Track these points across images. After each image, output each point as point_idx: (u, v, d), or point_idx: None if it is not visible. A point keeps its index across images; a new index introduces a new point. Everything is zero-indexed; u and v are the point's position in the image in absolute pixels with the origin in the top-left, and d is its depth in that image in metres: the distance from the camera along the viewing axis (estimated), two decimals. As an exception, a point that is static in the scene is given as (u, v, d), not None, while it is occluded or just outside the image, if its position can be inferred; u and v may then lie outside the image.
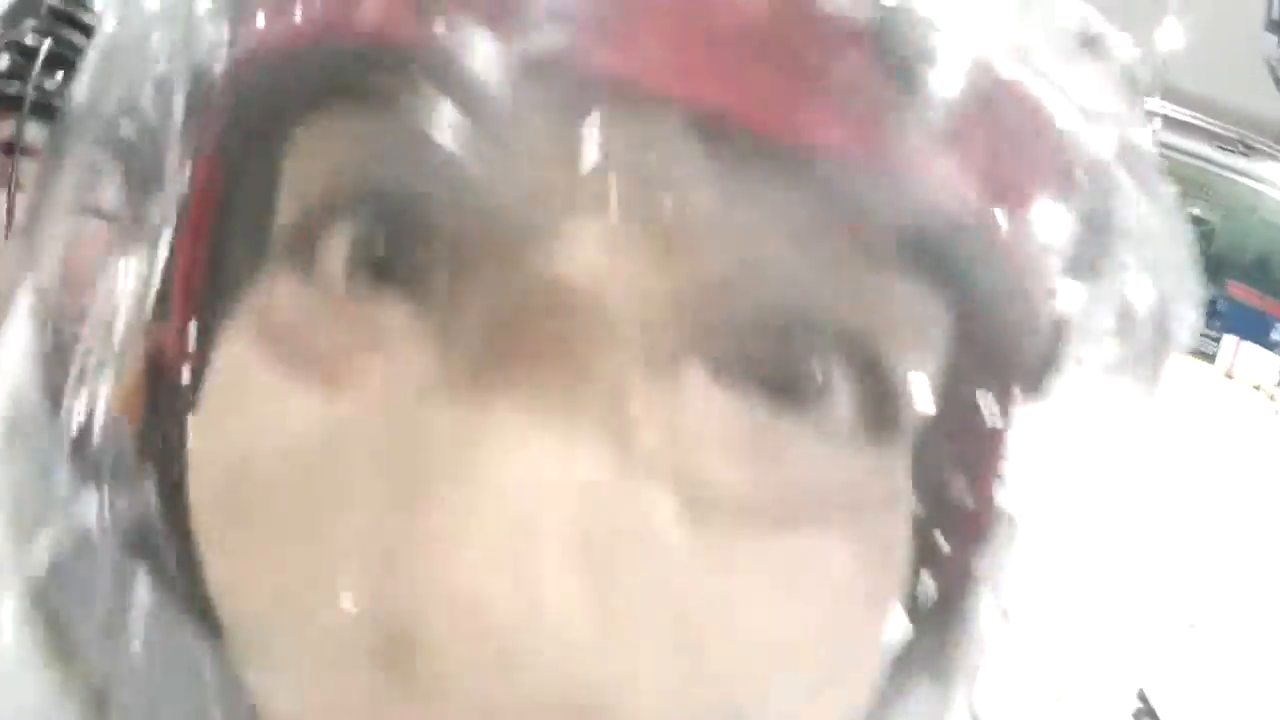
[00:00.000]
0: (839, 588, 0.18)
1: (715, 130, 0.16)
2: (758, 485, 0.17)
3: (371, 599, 0.16)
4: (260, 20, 0.18)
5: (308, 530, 0.17)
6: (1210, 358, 17.06)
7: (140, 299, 0.20)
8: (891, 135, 0.16)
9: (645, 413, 0.16)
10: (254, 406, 0.18)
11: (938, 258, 0.17)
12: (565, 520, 0.15)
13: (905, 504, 0.19)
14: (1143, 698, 3.48)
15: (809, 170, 0.16)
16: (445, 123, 0.15)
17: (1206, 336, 16.39)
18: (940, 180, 0.17)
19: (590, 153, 0.15)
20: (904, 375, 0.18)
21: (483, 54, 0.15)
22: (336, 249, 0.17)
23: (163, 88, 0.19)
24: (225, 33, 0.18)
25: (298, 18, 0.17)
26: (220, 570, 0.18)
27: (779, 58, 0.15)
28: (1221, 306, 17.39)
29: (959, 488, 0.20)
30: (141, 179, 0.20)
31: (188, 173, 0.19)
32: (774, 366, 0.17)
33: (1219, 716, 4.28)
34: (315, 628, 0.16)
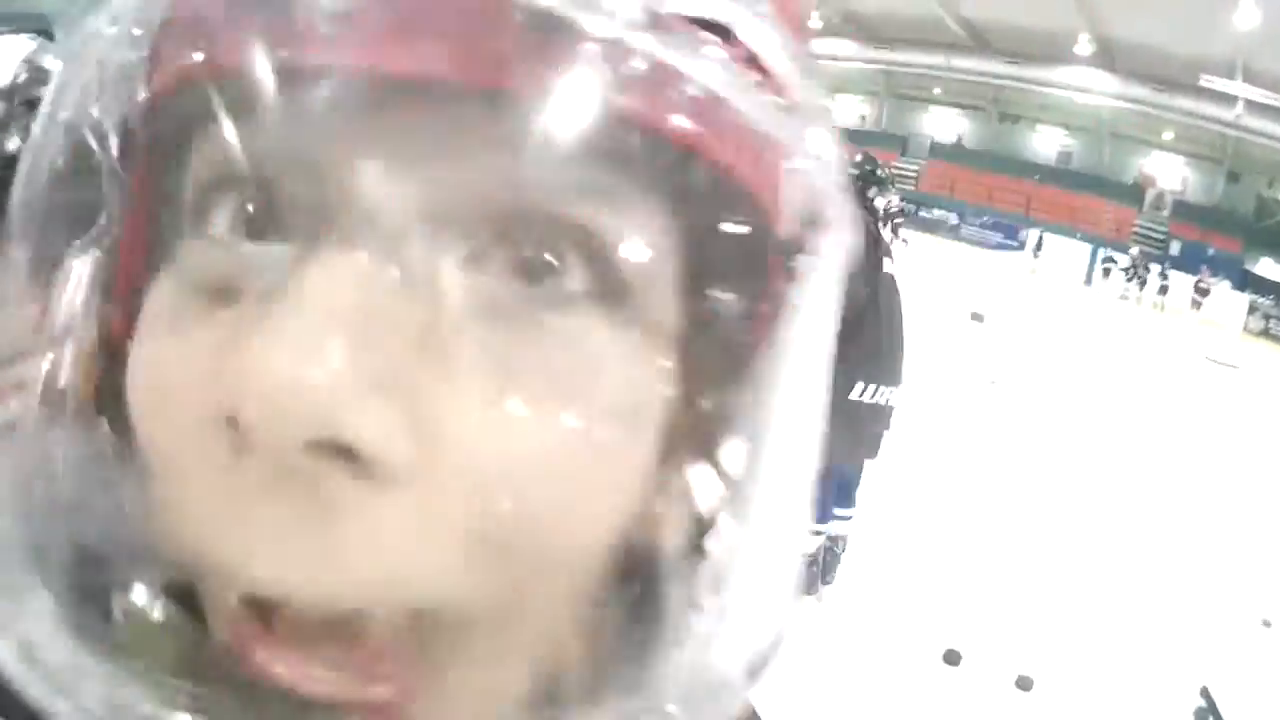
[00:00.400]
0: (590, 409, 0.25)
1: (441, 91, 0.24)
2: (500, 335, 0.25)
3: (221, 396, 0.23)
4: (153, 78, 0.27)
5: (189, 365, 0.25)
6: None
7: (95, 285, 0.29)
8: (559, 79, 0.24)
9: (411, 275, 0.24)
10: (171, 321, 0.26)
11: (650, 173, 0.25)
12: (346, 325, 0.22)
13: (650, 359, 0.27)
14: (1206, 695, 3.94)
15: (509, 107, 0.24)
16: (264, 124, 0.24)
17: None
18: (624, 115, 0.24)
19: (365, 123, 0.24)
20: (626, 258, 0.26)
21: (268, 72, 0.24)
22: (220, 213, 0.26)
23: (98, 130, 0.27)
24: (138, 89, 0.27)
25: (168, 75, 0.26)
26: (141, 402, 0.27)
27: (475, 31, 0.24)
28: None
29: (711, 359, 0.28)
30: (91, 197, 0.28)
31: (125, 188, 0.29)
32: (517, 252, 0.25)
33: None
34: (189, 424, 0.24)
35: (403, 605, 0.24)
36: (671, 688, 0.27)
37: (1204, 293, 19.13)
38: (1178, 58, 21.30)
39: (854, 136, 29.69)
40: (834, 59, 29.42)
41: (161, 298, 0.27)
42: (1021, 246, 22.08)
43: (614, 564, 0.28)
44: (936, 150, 28.24)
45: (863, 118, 31.17)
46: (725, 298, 0.28)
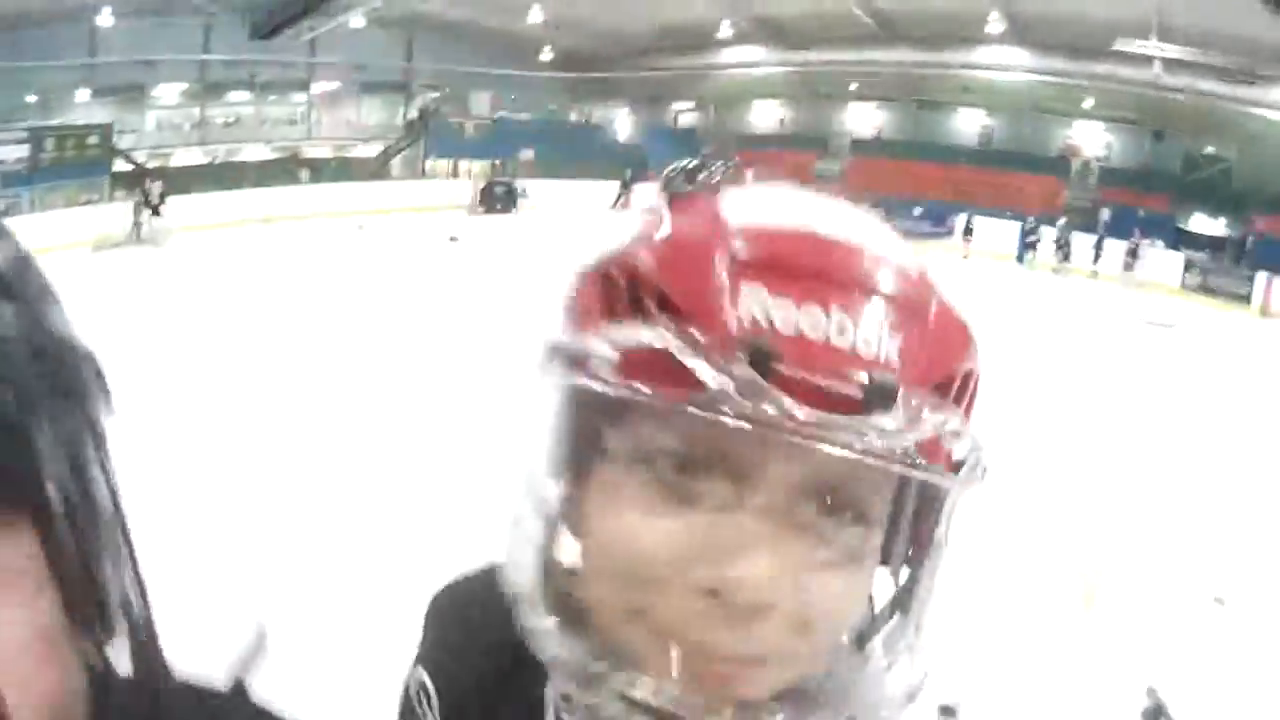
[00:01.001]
0: (859, 578, 0.51)
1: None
2: (831, 544, 0.49)
3: (706, 573, 0.47)
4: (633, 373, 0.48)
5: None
6: (1245, 299, 15.64)
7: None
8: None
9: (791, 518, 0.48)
10: (633, 515, 0.50)
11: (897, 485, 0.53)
12: (768, 541, 0.47)
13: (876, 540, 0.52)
14: (1152, 694, 3.86)
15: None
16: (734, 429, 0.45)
17: (1239, 277, 16.00)
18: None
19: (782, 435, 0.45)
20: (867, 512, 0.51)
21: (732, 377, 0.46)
22: (663, 464, 0.48)
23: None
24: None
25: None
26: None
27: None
28: (1250, 244, 16.66)
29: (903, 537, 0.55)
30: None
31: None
32: (834, 502, 0.48)
33: (1247, 698, 4.22)
34: (675, 581, 0.48)
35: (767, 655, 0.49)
36: (861, 702, 0.54)
37: (1135, 255, 19.02)
38: (1091, 24, 21.34)
39: (772, 141, 29.88)
40: (746, 65, 29.30)
41: (630, 490, 0.50)
42: (950, 233, 22.05)
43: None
44: (858, 147, 28.17)
45: (781, 121, 31.19)
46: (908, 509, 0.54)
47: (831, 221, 0.51)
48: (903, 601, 0.55)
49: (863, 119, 29.49)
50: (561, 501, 0.53)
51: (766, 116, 31.47)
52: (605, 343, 0.49)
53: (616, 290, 0.50)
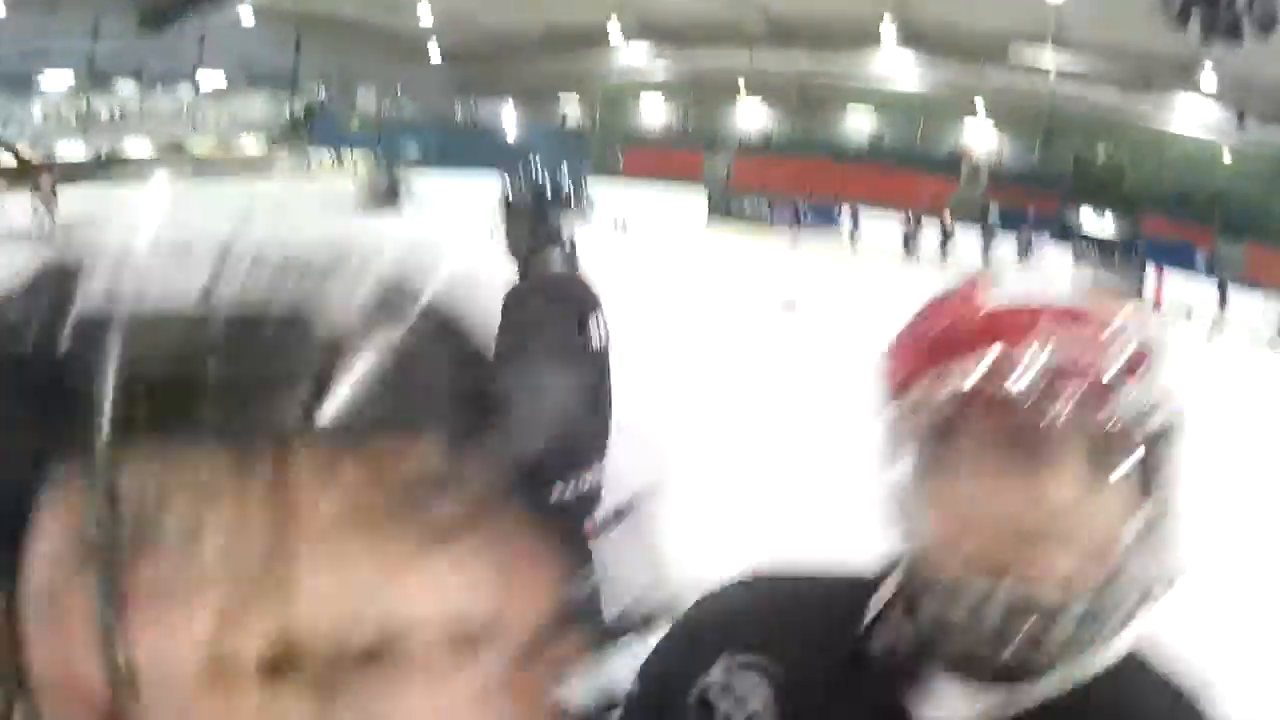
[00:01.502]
0: None
1: None
2: None
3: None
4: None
5: None
6: (1138, 295, 13.67)
7: None
8: None
9: None
10: None
11: None
12: None
13: None
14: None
15: None
16: None
17: (1131, 276, 14.53)
18: None
19: None
20: None
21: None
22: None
23: None
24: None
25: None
26: None
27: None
28: (1140, 244, 15.95)
29: None
30: None
31: None
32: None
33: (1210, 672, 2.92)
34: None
35: None
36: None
37: (1028, 253, 19.04)
38: (985, 32, 21.43)
39: (660, 140, 29.15)
40: (633, 66, 28.66)
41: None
42: (838, 228, 21.87)
43: None
44: (745, 147, 27.59)
45: (669, 120, 30.56)
46: None
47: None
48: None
49: (751, 118, 28.88)
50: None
51: (653, 115, 30.77)
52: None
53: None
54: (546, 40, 28.39)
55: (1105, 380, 0.72)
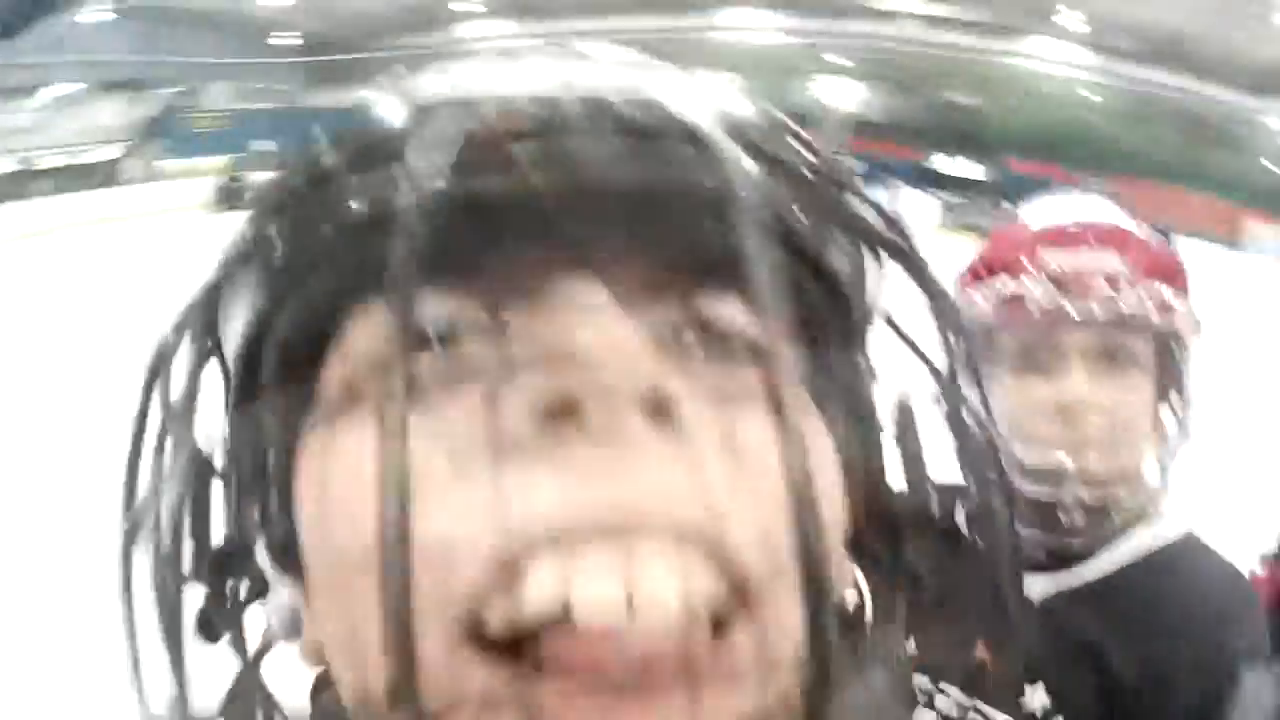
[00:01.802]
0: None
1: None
2: None
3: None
4: None
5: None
6: None
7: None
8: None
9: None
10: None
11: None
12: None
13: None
14: None
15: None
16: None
17: (1000, 216, 12.97)
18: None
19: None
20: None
21: None
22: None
23: None
24: None
25: None
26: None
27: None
28: (1008, 185, 15.42)
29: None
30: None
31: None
32: None
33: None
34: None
35: None
36: None
37: (893, 201, 18.21)
38: None
39: None
40: (491, 38, 27.51)
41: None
42: None
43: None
44: None
45: None
46: None
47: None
48: None
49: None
50: None
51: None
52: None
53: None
54: (403, 19, 27.41)
55: (1128, 283, 0.88)
